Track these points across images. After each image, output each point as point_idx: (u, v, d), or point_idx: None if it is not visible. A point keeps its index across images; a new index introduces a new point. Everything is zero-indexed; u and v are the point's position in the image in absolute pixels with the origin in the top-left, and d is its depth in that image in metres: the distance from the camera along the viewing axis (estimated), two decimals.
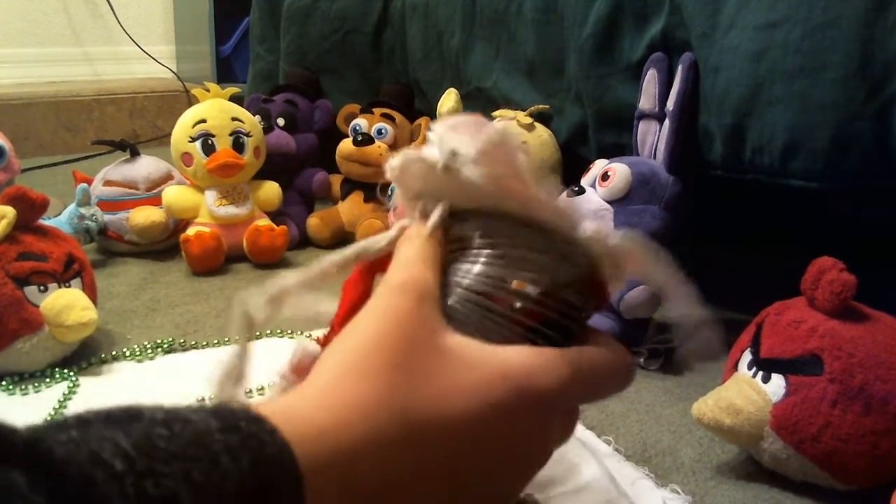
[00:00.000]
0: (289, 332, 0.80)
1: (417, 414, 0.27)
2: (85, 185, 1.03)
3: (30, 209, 0.71)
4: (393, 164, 0.34)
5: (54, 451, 0.20)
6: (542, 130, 0.90)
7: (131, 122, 1.98)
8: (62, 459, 0.20)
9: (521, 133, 0.88)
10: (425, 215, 0.34)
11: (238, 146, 1.04)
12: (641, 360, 0.76)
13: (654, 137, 0.78)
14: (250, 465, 0.22)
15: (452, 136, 0.32)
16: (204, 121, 1.03)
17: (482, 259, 0.32)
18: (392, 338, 0.28)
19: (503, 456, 0.29)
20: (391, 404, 0.27)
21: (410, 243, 0.33)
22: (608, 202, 0.75)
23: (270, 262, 1.05)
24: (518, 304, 0.31)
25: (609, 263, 0.33)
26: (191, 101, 1.76)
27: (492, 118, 0.93)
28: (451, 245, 0.33)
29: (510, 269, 0.31)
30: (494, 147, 0.31)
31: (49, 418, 0.62)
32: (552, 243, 0.31)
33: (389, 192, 1.08)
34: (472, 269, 0.31)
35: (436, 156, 0.32)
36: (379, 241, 0.36)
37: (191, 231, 1.02)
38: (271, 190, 1.10)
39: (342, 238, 1.16)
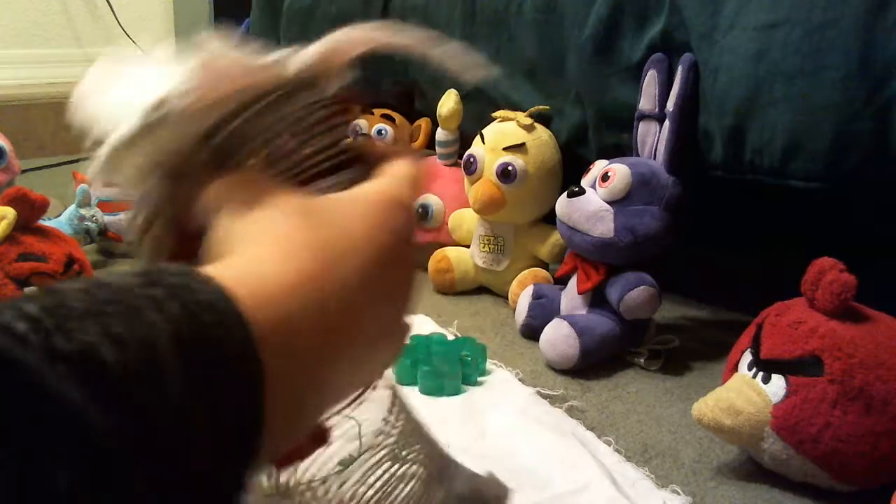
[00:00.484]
0: None
1: (328, 244, 0.28)
2: (85, 185, 1.03)
3: (30, 210, 0.71)
4: (97, 172, 0.30)
5: None
6: (542, 131, 0.90)
7: None
8: None
9: (521, 134, 0.88)
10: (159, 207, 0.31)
11: None
12: (642, 360, 0.76)
13: (654, 138, 0.77)
14: (182, 313, 0.20)
15: (114, 100, 0.30)
16: None
17: (263, 149, 0.31)
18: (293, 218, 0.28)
19: (396, 275, 0.31)
20: (303, 241, 0.27)
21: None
22: (608, 203, 0.75)
23: None
24: (320, 161, 0.32)
25: (326, 74, 0.34)
26: None
27: (492, 118, 0.93)
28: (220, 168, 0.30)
29: (296, 146, 0.32)
30: (192, 70, 0.29)
31: None
32: (288, 99, 0.32)
33: None
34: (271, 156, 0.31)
35: (134, 123, 0.28)
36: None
37: None
38: None
39: None
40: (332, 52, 0.35)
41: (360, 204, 0.31)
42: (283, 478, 0.42)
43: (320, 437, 0.38)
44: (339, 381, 0.29)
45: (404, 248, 0.31)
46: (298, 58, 0.33)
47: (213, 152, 0.30)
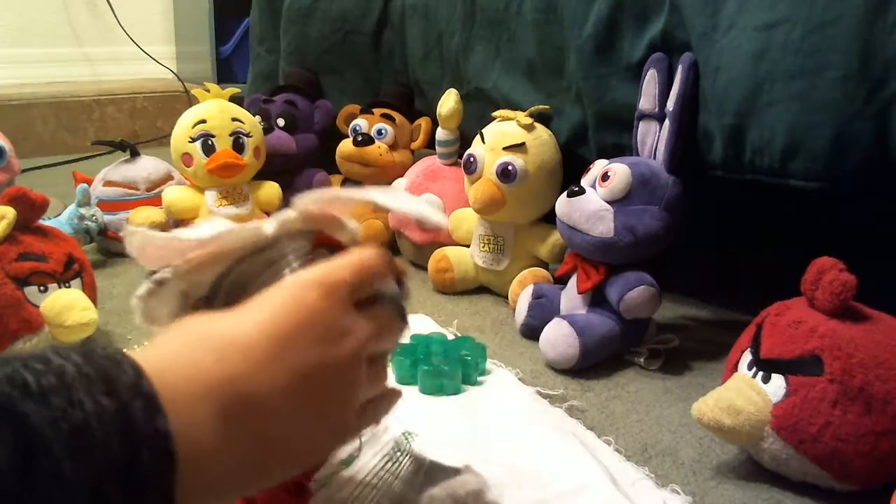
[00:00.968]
0: None
1: (222, 331, 0.33)
2: (85, 185, 1.03)
3: (30, 209, 0.71)
4: (142, 320, 0.40)
5: None
6: (542, 131, 0.90)
7: (131, 123, 1.98)
8: None
9: (521, 133, 0.88)
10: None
11: (238, 147, 1.04)
12: (642, 360, 0.76)
13: (654, 138, 0.77)
14: (83, 360, 0.26)
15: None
16: (204, 121, 1.03)
17: (250, 294, 0.37)
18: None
19: (317, 351, 0.33)
20: (198, 332, 0.32)
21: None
22: (608, 202, 0.75)
23: None
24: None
25: (321, 224, 0.42)
26: (191, 101, 1.76)
27: (492, 118, 0.93)
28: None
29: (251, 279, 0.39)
30: (137, 248, 0.40)
31: None
32: (269, 251, 0.40)
33: None
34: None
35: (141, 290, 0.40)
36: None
37: None
38: (271, 190, 1.10)
39: None
40: (313, 212, 0.41)
41: (264, 297, 0.34)
42: None
43: (301, 493, 0.41)
44: (263, 446, 0.32)
45: (319, 321, 0.34)
46: (271, 221, 0.40)
47: (218, 304, 0.38)
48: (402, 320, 0.41)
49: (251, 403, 0.31)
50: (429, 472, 0.50)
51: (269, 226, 0.40)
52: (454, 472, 0.50)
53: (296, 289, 0.34)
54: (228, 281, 0.39)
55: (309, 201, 0.41)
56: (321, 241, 0.41)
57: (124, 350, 0.29)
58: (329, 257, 0.38)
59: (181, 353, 0.30)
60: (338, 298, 0.35)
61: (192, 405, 0.29)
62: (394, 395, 0.44)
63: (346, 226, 0.43)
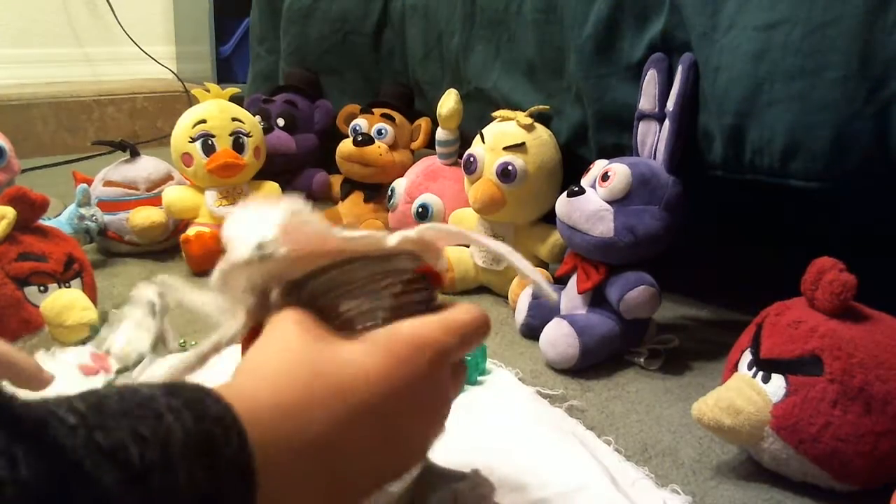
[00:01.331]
0: None
1: (331, 377, 0.32)
2: (85, 185, 1.03)
3: (30, 209, 0.71)
4: (216, 281, 0.38)
5: (15, 407, 0.23)
6: (541, 131, 0.90)
7: (131, 123, 1.98)
8: (23, 414, 0.22)
9: (521, 133, 0.88)
10: (252, 313, 0.39)
11: (238, 146, 1.04)
12: (642, 359, 0.76)
13: (654, 138, 0.77)
14: (193, 422, 0.26)
15: (246, 230, 0.37)
16: (204, 121, 1.03)
17: (341, 300, 0.38)
18: (295, 336, 0.34)
19: (416, 406, 0.35)
20: (309, 372, 0.32)
21: (280, 326, 0.36)
22: (608, 202, 0.75)
23: None
24: (379, 315, 0.37)
25: (425, 251, 0.41)
26: (191, 101, 1.76)
27: (492, 118, 0.93)
28: (307, 306, 0.38)
29: (368, 295, 0.38)
30: (289, 224, 0.36)
31: None
32: (375, 262, 0.39)
33: (390, 193, 1.08)
34: (342, 306, 0.38)
35: (244, 254, 0.36)
36: (230, 330, 0.40)
37: (191, 231, 1.02)
38: (271, 190, 1.10)
39: None
40: (430, 240, 0.41)
41: (380, 342, 0.34)
42: None
43: None
44: (342, 484, 0.32)
45: (422, 385, 0.34)
46: (397, 236, 0.40)
47: (304, 294, 0.38)
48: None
49: (336, 457, 0.32)
50: (431, 475, 0.50)
51: (391, 239, 0.40)
52: (460, 476, 0.50)
53: (412, 345, 0.35)
54: (326, 278, 0.38)
55: (428, 229, 0.41)
56: (423, 269, 0.41)
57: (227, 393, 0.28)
58: (426, 291, 0.40)
59: (290, 402, 0.31)
60: (444, 364, 0.36)
61: (290, 469, 0.29)
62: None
63: (441, 256, 0.43)
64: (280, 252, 0.35)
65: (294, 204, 0.36)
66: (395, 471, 0.36)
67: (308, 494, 0.31)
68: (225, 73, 1.92)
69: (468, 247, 0.97)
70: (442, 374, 0.36)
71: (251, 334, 0.39)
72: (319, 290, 0.37)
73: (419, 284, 0.40)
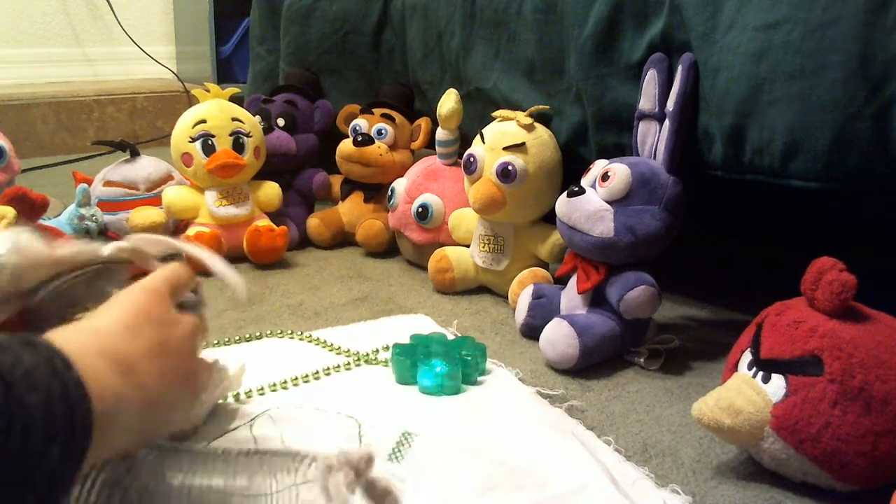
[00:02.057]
0: (289, 332, 0.80)
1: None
2: (85, 185, 1.03)
3: (30, 209, 0.71)
4: None
5: None
6: (542, 131, 0.90)
7: (131, 123, 1.98)
8: None
9: (521, 133, 0.88)
10: None
11: (238, 146, 1.04)
12: (642, 359, 0.76)
13: (654, 138, 0.77)
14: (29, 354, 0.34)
15: None
16: (204, 121, 1.03)
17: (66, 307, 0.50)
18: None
19: (171, 346, 0.45)
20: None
21: None
22: (608, 202, 0.75)
23: (270, 262, 1.05)
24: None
25: (138, 257, 0.52)
26: (191, 101, 1.76)
27: (492, 118, 0.93)
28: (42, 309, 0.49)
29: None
30: (15, 243, 0.47)
31: None
32: (93, 272, 0.51)
33: (390, 193, 1.08)
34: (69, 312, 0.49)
35: None
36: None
37: (191, 231, 1.02)
38: (271, 190, 1.10)
39: (342, 239, 1.16)
40: (138, 246, 0.52)
41: (115, 298, 0.45)
42: None
43: None
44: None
45: (153, 317, 0.45)
46: (109, 247, 0.51)
47: (37, 300, 0.48)
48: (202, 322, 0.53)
49: (130, 362, 0.40)
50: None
51: (105, 249, 0.50)
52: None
53: (129, 294, 0.46)
54: (56, 285, 0.49)
55: (139, 240, 0.52)
56: (135, 271, 0.52)
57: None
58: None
59: (67, 338, 0.38)
60: (161, 298, 0.47)
61: (93, 363, 0.37)
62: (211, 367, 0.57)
63: (154, 260, 0.54)
64: (11, 261, 0.46)
65: (19, 232, 0.47)
66: (178, 395, 0.46)
67: (125, 402, 0.38)
68: (225, 73, 1.92)
69: (468, 247, 0.97)
70: (165, 308, 0.46)
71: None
72: (49, 297, 0.48)
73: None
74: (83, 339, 0.40)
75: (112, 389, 0.37)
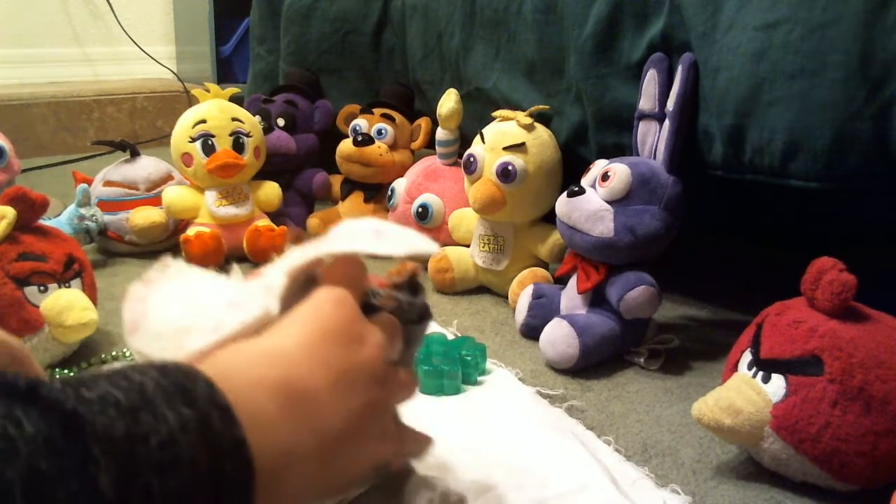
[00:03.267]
0: None
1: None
2: (85, 185, 1.03)
3: (30, 209, 0.71)
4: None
5: (7, 376, 0.25)
6: (542, 131, 0.90)
7: (131, 123, 1.98)
8: (15, 381, 0.25)
9: (521, 133, 0.88)
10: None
11: (238, 146, 1.04)
12: (642, 359, 0.76)
13: (654, 138, 0.77)
14: (162, 375, 0.28)
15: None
16: (204, 121, 1.03)
17: None
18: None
19: (357, 373, 0.38)
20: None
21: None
22: (608, 202, 0.75)
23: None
24: None
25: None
26: (191, 101, 1.76)
27: (492, 118, 0.93)
28: None
29: None
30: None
31: None
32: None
33: (390, 193, 1.08)
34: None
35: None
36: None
37: (191, 231, 1.02)
38: (271, 190, 1.10)
39: None
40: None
41: (297, 311, 0.39)
42: None
43: None
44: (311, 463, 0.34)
45: (341, 332, 0.38)
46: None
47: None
48: (419, 321, 0.47)
49: (306, 398, 0.33)
50: (413, 482, 0.51)
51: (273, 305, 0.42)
52: (437, 485, 0.51)
53: (313, 306, 0.39)
54: None
55: (293, 262, 0.44)
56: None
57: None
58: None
59: (235, 364, 0.33)
60: (348, 306, 0.40)
61: (260, 408, 0.31)
62: (425, 440, 0.48)
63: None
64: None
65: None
66: (364, 441, 0.38)
67: (296, 453, 0.32)
68: (225, 73, 1.92)
69: (468, 247, 0.97)
70: (352, 318, 0.40)
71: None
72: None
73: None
74: (254, 367, 0.33)
75: (284, 443, 0.31)
